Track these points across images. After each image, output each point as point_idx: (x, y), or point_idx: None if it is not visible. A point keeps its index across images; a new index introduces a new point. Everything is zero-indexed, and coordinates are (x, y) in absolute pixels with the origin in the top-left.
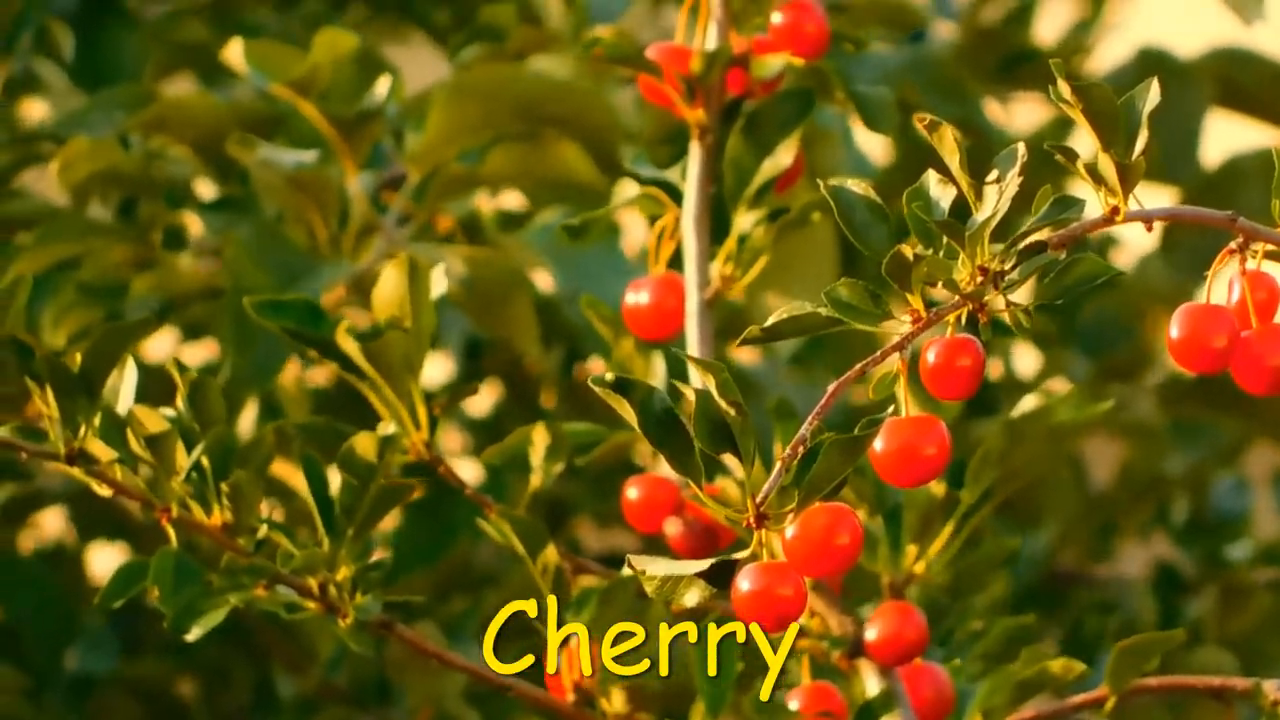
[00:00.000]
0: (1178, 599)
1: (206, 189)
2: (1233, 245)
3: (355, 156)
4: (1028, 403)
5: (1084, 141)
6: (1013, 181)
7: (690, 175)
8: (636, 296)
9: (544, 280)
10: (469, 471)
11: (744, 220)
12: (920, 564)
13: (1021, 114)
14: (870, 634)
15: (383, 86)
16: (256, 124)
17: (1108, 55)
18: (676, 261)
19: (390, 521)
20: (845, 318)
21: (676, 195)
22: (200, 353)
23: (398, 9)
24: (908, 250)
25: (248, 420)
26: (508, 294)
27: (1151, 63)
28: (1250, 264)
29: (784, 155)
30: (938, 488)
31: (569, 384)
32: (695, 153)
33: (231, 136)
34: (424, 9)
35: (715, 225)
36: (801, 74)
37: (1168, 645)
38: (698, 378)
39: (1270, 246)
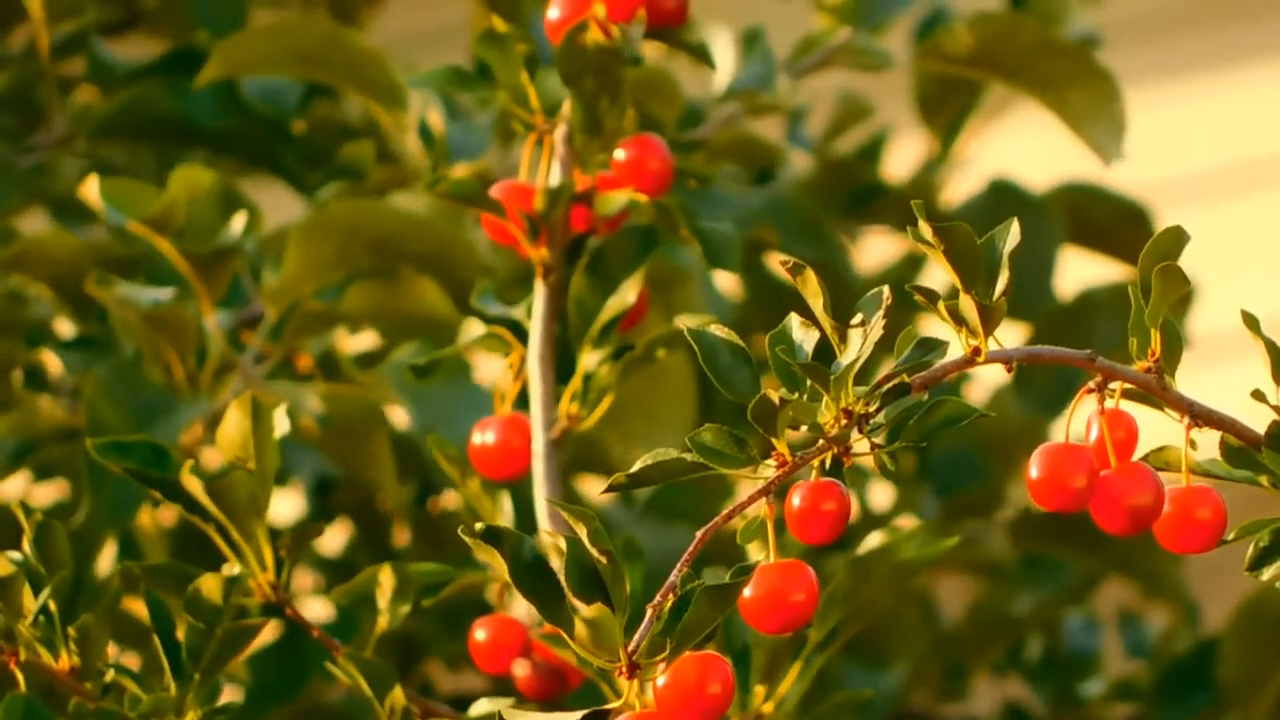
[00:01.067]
0: None
1: (66, 328)
2: (1091, 384)
3: (212, 293)
4: (873, 540)
5: (937, 278)
6: (878, 324)
7: (535, 314)
8: (482, 436)
9: (399, 417)
10: (322, 611)
11: (589, 359)
12: (769, 704)
13: (871, 248)
14: None
15: (239, 223)
16: (115, 263)
17: (959, 187)
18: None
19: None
20: (710, 463)
21: (522, 334)
22: (50, 493)
23: (246, 152)
24: (773, 395)
25: (107, 561)
26: (365, 431)
27: (1003, 196)
28: (1109, 403)
29: (629, 292)
30: None
31: (423, 519)
32: (540, 291)
33: (90, 275)
34: (274, 150)
35: (561, 364)
36: (646, 211)
37: None
38: (556, 524)
39: (1128, 385)
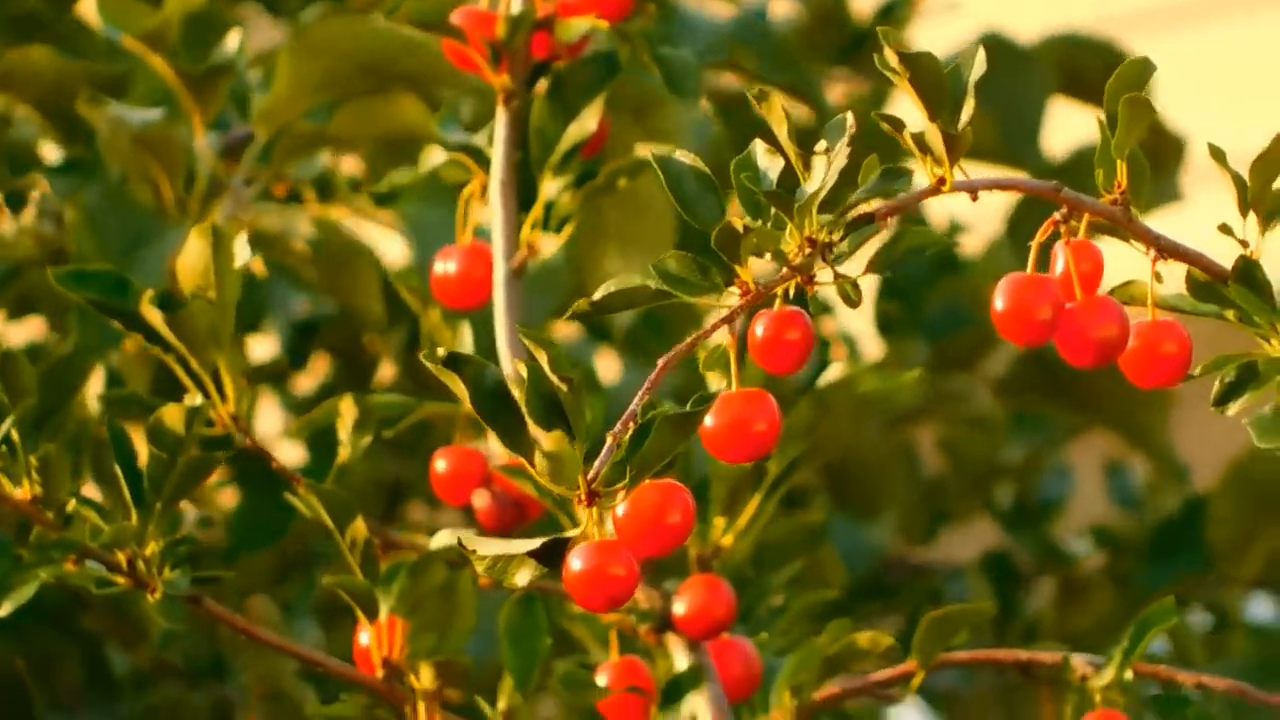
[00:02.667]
0: (1014, 589)
1: (51, 152)
2: (1057, 216)
3: (204, 113)
4: (832, 373)
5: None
6: (841, 152)
7: (497, 141)
8: (444, 266)
9: (393, 250)
10: (298, 453)
11: (550, 186)
12: (728, 537)
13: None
14: (678, 608)
15: (233, 41)
16: (104, 83)
17: (948, 39)
18: None
19: (228, 501)
20: (674, 290)
21: (484, 161)
22: (28, 330)
23: None
24: (736, 222)
25: (95, 391)
26: (352, 259)
27: (992, 47)
28: (1075, 235)
29: (589, 120)
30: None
31: (412, 361)
32: (501, 118)
33: (80, 94)
34: None
35: (524, 193)
36: (608, 37)
37: (975, 619)
38: (517, 352)
39: (1094, 218)
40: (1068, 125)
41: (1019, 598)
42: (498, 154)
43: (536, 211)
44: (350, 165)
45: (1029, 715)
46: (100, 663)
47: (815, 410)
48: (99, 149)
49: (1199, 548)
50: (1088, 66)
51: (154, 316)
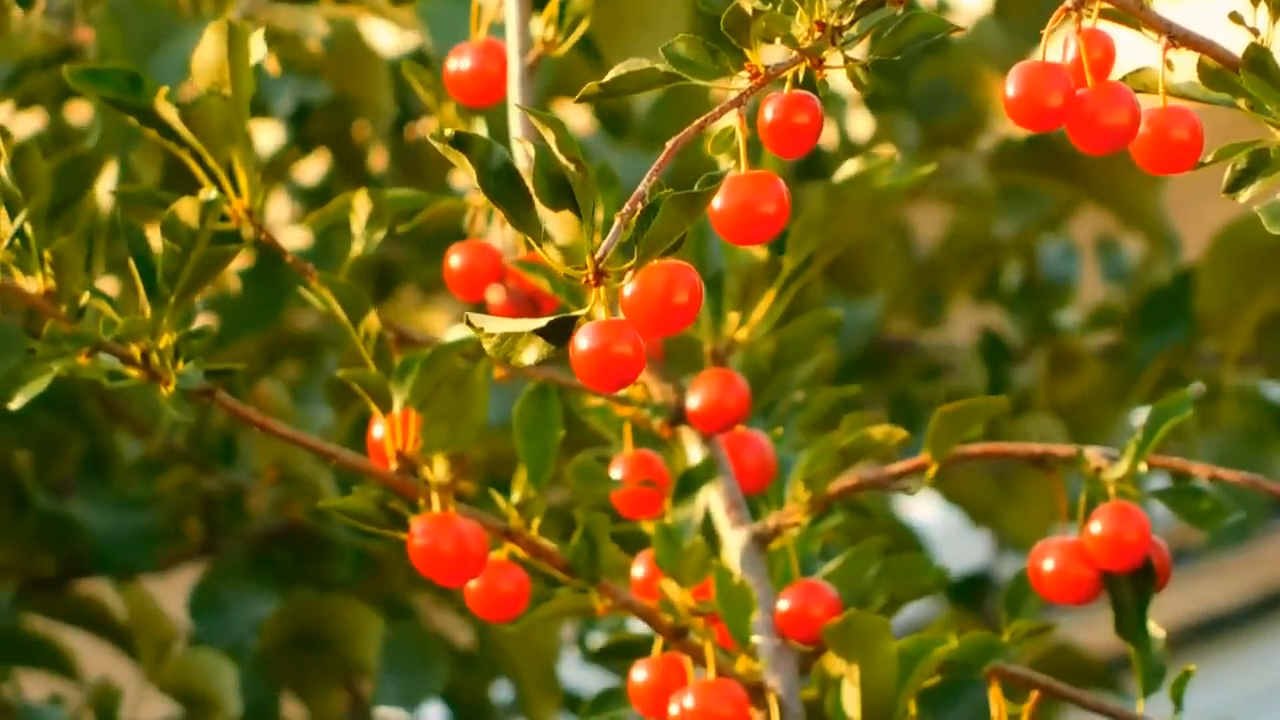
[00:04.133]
0: (1006, 366)
1: None
2: (1069, 3)
3: None
4: (849, 168)
5: None
6: None
7: None
8: (458, 63)
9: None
10: (298, 241)
11: None
12: (743, 331)
13: None
14: (692, 401)
15: None
16: None
17: None
18: None
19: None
20: (683, 73)
21: None
22: (33, 123)
23: None
24: (746, 4)
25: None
26: (362, 55)
27: None
28: (1086, 22)
29: None
30: (760, 253)
31: (399, 145)
32: None
33: None
34: None
35: None
36: None
37: (990, 411)
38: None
39: (1105, 5)
40: None
41: (1010, 372)
42: None
43: (551, 8)
44: None
45: (1026, 493)
46: (101, 448)
47: (831, 204)
48: None
49: (1188, 318)
50: None
51: (169, 113)
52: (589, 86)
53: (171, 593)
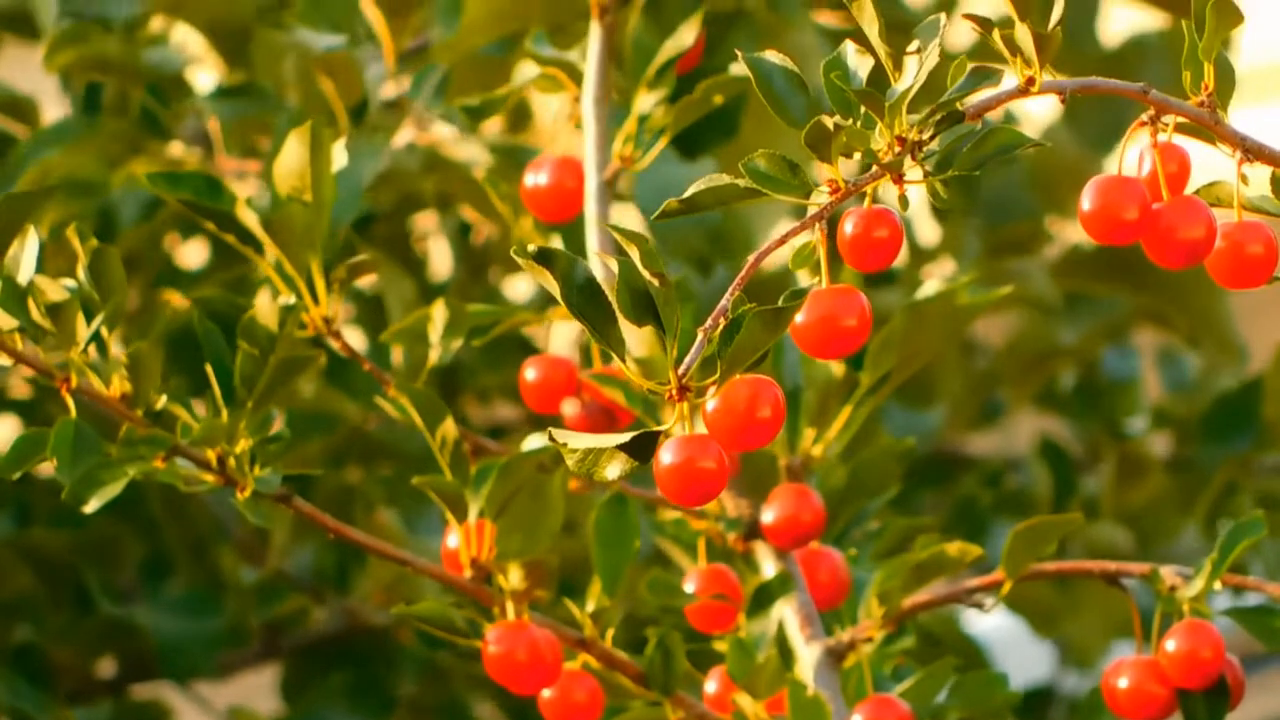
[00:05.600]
0: (1071, 472)
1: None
2: (1144, 117)
3: (398, 40)
4: (930, 287)
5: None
6: (934, 51)
7: (590, 55)
8: (535, 178)
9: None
10: (353, 341)
11: (645, 100)
12: (818, 446)
13: None
14: (767, 516)
15: None
16: (268, 12)
17: None
18: None
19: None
20: (764, 189)
21: (576, 76)
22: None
23: None
24: (827, 120)
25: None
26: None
27: None
28: (1162, 136)
29: (686, 35)
30: (837, 368)
31: (464, 249)
32: (595, 32)
33: (251, 19)
34: None
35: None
36: None
37: (1066, 529)
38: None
39: (1181, 119)
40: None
41: (1076, 479)
42: (591, 67)
43: (630, 125)
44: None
45: (1088, 601)
46: (162, 551)
47: (911, 322)
48: (259, 74)
49: (1255, 427)
50: None
51: (249, 218)
52: (669, 202)
53: (229, 694)
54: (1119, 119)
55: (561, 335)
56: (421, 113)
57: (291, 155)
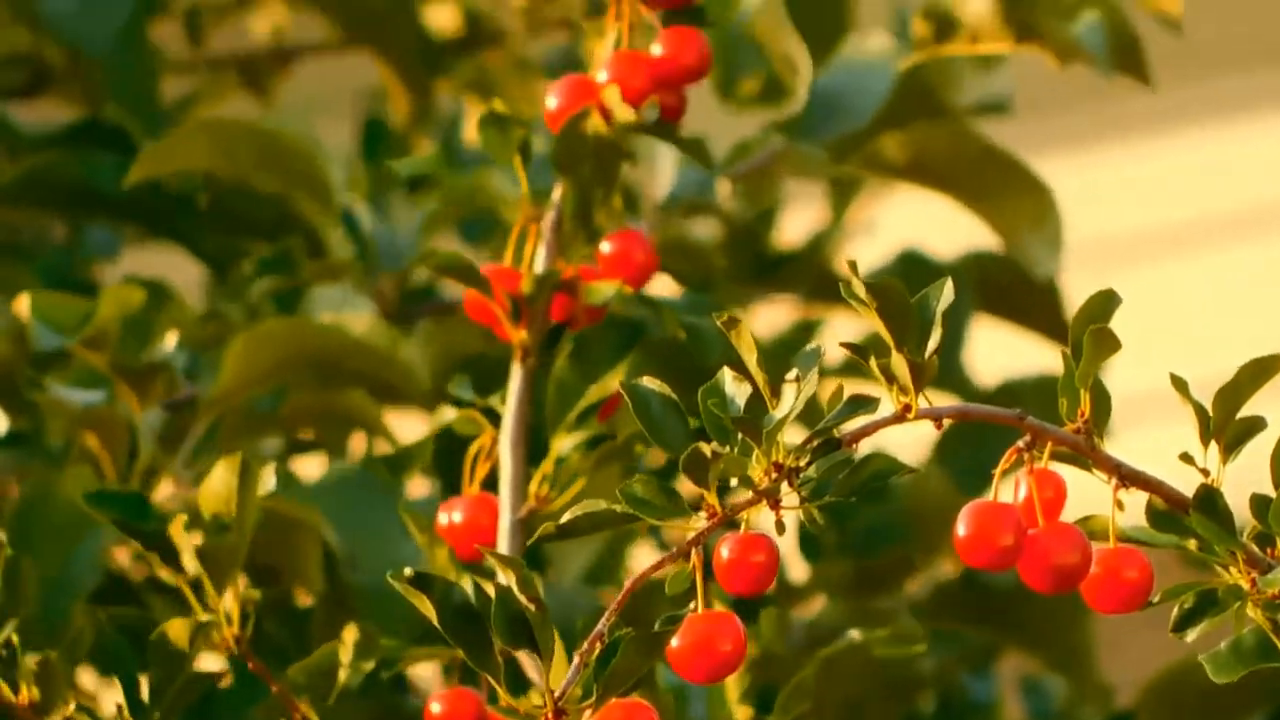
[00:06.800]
0: None
1: None
2: (1020, 444)
3: (143, 400)
4: (846, 639)
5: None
6: (812, 380)
7: (510, 396)
8: (449, 516)
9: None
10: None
11: (563, 442)
12: None
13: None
14: None
15: (171, 340)
16: (44, 358)
17: (866, 256)
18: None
19: None
20: (640, 513)
21: (495, 418)
22: None
23: (150, 220)
24: (705, 448)
25: None
26: (296, 536)
27: (913, 264)
28: (1038, 463)
29: (611, 382)
30: (744, 711)
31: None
32: (517, 374)
33: (22, 374)
34: (179, 219)
35: (533, 447)
36: (628, 302)
37: None
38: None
39: (1058, 447)
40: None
41: None
42: (510, 408)
43: (547, 466)
44: None
45: None
46: None
47: (825, 674)
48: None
49: None
50: (1004, 282)
51: (183, 542)
52: (545, 526)
53: None
54: (989, 460)
55: None
56: (180, 473)
57: (218, 480)
